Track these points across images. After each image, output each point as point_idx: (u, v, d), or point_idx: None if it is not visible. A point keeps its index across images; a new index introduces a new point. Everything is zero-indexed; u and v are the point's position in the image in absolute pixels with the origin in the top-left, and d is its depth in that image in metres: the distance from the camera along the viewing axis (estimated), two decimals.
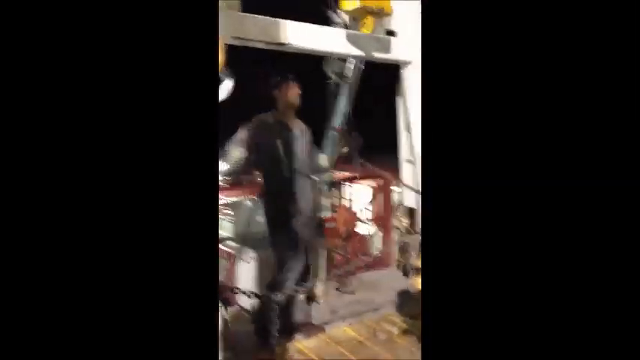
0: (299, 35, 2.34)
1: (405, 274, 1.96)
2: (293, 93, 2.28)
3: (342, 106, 4.58)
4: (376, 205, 4.30)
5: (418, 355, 2.43)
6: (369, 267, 4.06)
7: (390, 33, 2.83)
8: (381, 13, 2.34)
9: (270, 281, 2.48)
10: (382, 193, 4.41)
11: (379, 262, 4.23)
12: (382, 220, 4.32)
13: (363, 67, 4.50)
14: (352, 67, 4.47)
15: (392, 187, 4.05)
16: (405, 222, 3.30)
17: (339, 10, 2.73)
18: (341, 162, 4.52)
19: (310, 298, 2.93)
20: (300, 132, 2.45)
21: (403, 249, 2.18)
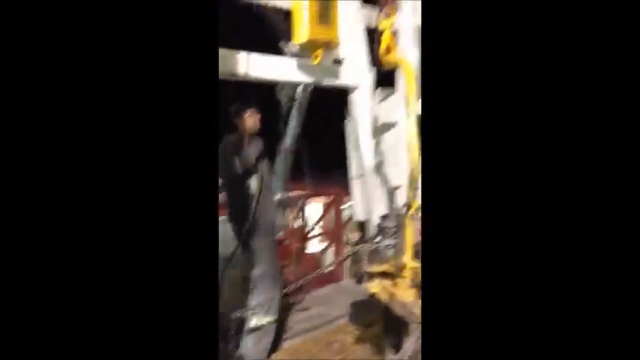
0: (256, 66, 2.50)
1: (359, 281, 2.13)
2: (251, 121, 2.41)
3: (292, 127, 4.75)
4: (327, 220, 4.48)
5: None
6: (321, 282, 4.21)
7: (338, 62, 3.06)
8: (329, 45, 2.55)
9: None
10: (333, 208, 4.61)
11: (331, 277, 4.39)
12: (333, 234, 4.50)
13: (311, 89, 4.72)
14: (301, 91, 4.67)
15: (344, 204, 4.25)
16: (356, 235, 3.49)
17: (290, 42, 2.93)
18: (292, 181, 4.67)
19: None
20: (257, 151, 2.58)
21: (355, 258, 2.35)
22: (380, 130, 3.42)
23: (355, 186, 3.68)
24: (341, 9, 2.59)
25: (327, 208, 4.56)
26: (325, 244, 4.58)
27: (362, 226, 3.56)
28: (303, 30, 2.42)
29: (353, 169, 3.68)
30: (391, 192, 3.43)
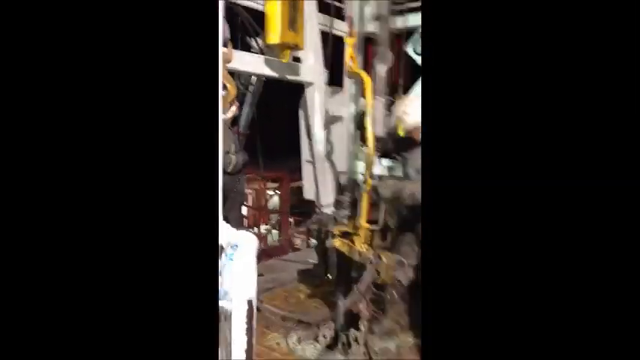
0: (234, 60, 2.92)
1: (323, 242, 2.67)
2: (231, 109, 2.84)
3: (245, 113, 5.16)
4: (277, 200, 4.98)
5: (324, 310, 3.16)
6: (269, 256, 4.71)
7: (297, 59, 3.56)
8: (296, 47, 3.04)
9: None
10: (281, 190, 5.11)
11: (279, 250, 4.91)
12: (281, 213, 5.01)
13: (264, 80, 5.14)
14: (255, 80, 5.09)
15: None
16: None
17: (257, 39, 3.37)
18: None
19: None
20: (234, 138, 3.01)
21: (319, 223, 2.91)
22: (329, 122, 3.97)
23: (305, 170, 4.21)
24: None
25: (276, 189, 5.05)
26: (271, 223, 5.07)
27: (312, 204, 4.11)
28: (275, 33, 2.88)
29: (304, 154, 4.21)
30: (337, 176, 4.01)
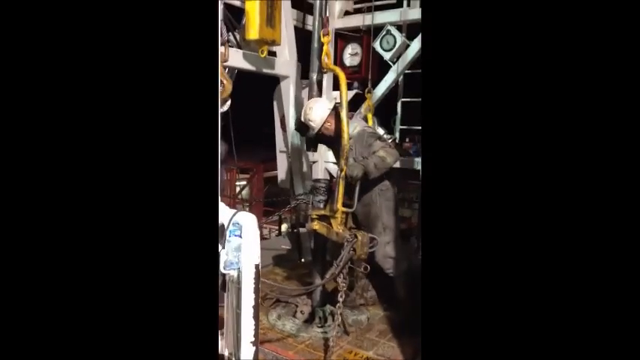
0: None
1: (302, 225, 2.89)
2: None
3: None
4: (250, 188, 5.14)
5: (297, 291, 3.39)
6: None
7: (272, 54, 3.73)
8: (273, 43, 3.22)
9: None
10: (252, 180, 5.28)
11: None
12: (251, 203, 5.19)
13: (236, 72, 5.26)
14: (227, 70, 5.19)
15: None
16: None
17: (235, 34, 3.52)
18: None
19: None
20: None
21: (296, 209, 3.11)
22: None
23: (280, 160, 4.41)
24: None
25: (250, 178, 5.21)
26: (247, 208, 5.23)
27: (287, 191, 4.32)
28: (254, 30, 3.05)
29: (277, 144, 4.39)
30: (309, 165, 4.23)
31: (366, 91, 4.13)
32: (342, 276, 2.45)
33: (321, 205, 2.90)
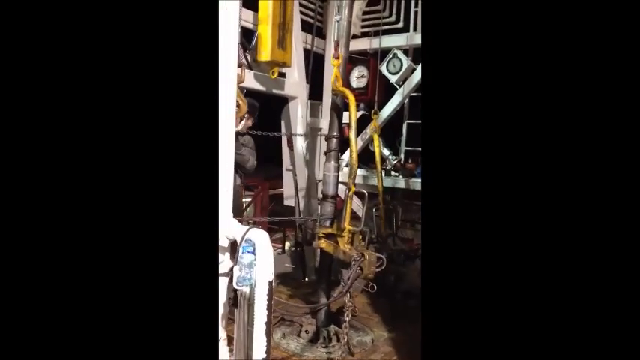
0: None
1: (308, 244, 2.92)
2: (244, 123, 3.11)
3: None
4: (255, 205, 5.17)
5: (303, 309, 3.40)
6: None
7: (281, 75, 3.82)
8: (284, 65, 3.30)
9: None
10: (257, 197, 5.31)
11: None
12: (260, 216, 5.21)
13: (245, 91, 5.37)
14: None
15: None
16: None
17: (247, 55, 3.61)
18: None
19: None
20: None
21: (300, 228, 3.14)
22: (309, 133, 4.23)
23: (286, 178, 4.45)
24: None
25: (255, 195, 5.25)
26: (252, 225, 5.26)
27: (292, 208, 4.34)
28: (266, 52, 3.13)
29: (284, 162, 4.45)
30: (315, 184, 4.27)
31: (373, 112, 4.20)
32: (349, 295, 2.46)
33: (328, 224, 2.93)
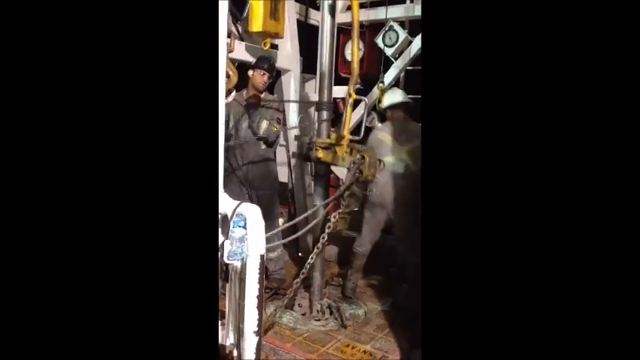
0: None
1: (306, 158, 2.86)
2: (258, 79, 3.04)
3: None
4: None
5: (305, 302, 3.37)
6: None
7: (274, 47, 3.72)
8: (277, 36, 3.21)
9: None
10: None
11: None
12: None
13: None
14: None
15: None
16: None
17: (238, 25, 3.50)
18: None
19: None
20: (253, 110, 3.14)
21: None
22: (303, 106, 4.17)
23: (279, 154, 4.41)
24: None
25: None
26: None
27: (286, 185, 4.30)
28: (258, 22, 3.04)
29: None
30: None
31: (378, 85, 4.04)
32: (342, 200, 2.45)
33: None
